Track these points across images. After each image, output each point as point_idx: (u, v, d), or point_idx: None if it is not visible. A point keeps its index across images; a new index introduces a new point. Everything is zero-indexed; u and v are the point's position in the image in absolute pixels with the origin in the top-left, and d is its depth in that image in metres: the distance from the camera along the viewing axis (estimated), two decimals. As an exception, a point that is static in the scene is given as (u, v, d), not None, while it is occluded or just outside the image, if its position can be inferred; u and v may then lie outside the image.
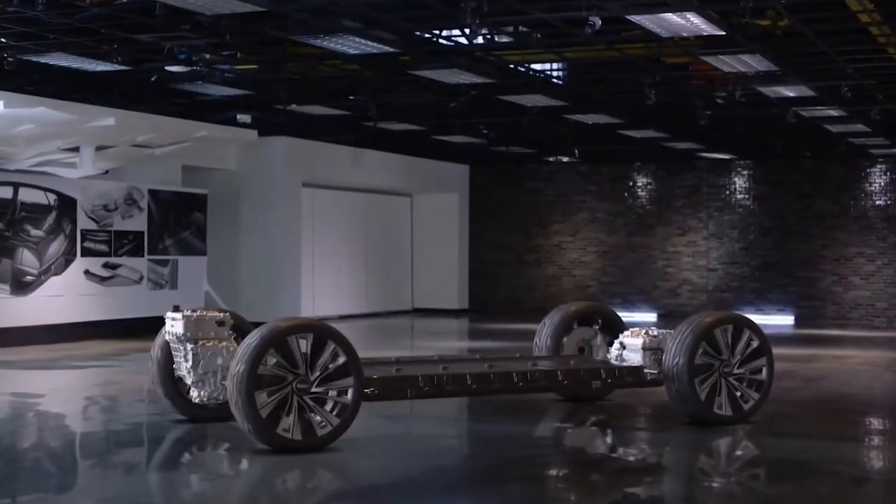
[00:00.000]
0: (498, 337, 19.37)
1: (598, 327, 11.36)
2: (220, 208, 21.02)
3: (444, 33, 12.65)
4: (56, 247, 17.39)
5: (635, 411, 11.00)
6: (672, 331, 10.07)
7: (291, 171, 21.55)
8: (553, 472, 8.47)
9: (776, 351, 10.55)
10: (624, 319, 11.74)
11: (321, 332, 8.63)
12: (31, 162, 16.58)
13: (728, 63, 13.43)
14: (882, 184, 23.68)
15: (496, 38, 12.67)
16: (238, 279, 21.29)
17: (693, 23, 11.20)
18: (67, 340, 17.19)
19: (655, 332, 10.28)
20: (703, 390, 9.76)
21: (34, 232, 17.05)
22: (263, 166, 21.26)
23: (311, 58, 13.95)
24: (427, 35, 12.81)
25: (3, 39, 12.78)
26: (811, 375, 13.93)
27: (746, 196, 24.73)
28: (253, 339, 8.47)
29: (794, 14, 11.33)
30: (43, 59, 13.76)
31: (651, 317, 24.59)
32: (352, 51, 13.00)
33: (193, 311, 9.37)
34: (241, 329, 9.45)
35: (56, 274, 17.40)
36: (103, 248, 18.17)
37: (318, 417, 8.50)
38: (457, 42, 12.89)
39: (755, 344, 10.06)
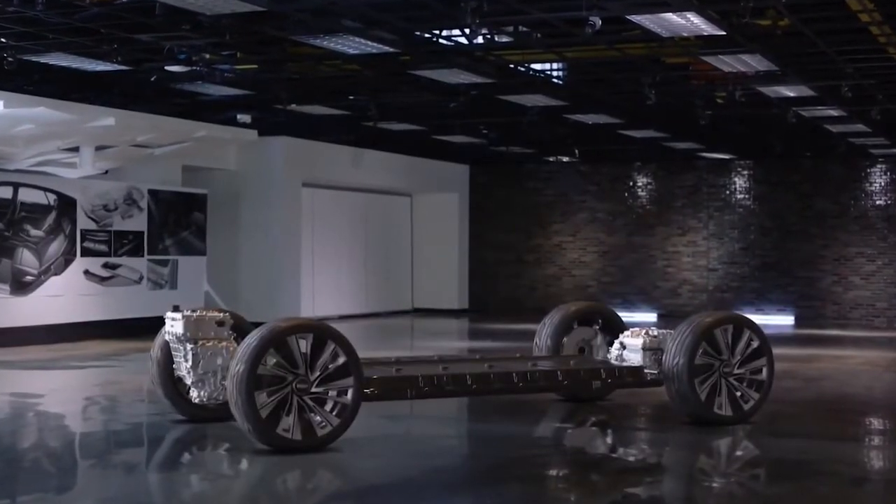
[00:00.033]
0: (498, 337, 19.37)
1: (598, 327, 11.36)
2: (220, 208, 21.02)
3: (444, 33, 12.64)
4: (56, 247, 17.38)
5: (635, 411, 11.00)
6: (672, 331, 10.07)
7: (291, 171, 21.54)
8: (553, 472, 8.47)
9: (776, 351, 10.55)
10: (624, 319, 11.74)
11: (321, 332, 8.63)
12: (30, 162, 16.58)
13: (728, 63, 13.42)
14: (882, 184, 23.67)
15: (496, 38, 12.66)
16: (238, 279, 21.29)
17: (693, 23, 11.19)
18: (67, 340, 17.18)
19: (655, 333, 10.28)
20: (703, 390, 9.75)
21: (34, 232, 17.05)
22: (263, 166, 21.26)
23: (311, 58, 13.94)
24: (427, 35, 12.81)
25: (3, 39, 12.77)
26: (811, 375, 13.93)
27: (746, 196, 24.73)
28: (253, 339, 8.47)
29: (794, 14, 11.33)
30: (43, 59, 13.75)
31: (651, 317, 24.59)
32: (352, 51, 12.99)
33: (193, 311, 9.36)
34: (240, 329, 9.44)
35: (56, 274, 17.40)
36: (103, 248, 18.16)
37: (317, 417, 8.50)
38: (457, 42, 12.89)
39: (755, 344, 10.06)
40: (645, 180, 25.60)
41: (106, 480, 8.02)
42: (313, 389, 8.49)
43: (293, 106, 17.60)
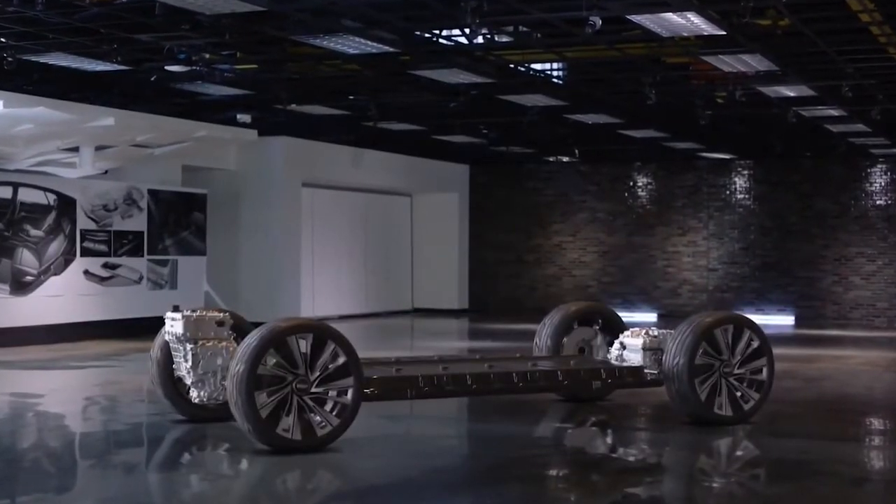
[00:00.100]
0: (498, 337, 19.36)
1: (598, 327, 11.35)
2: (220, 208, 21.02)
3: (444, 33, 12.64)
4: (56, 247, 17.38)
5: (635, 411, 10.99)
6: (672, 331, 10.06)
7: (291, 171, 21.54)
8: (553, 472, 8.46)
9: (776, 351, 10.54)
10: (624, 319, 11.73)
11: (321, 332, 8.62)
12: (30, 162, 16.58)
13: (728, 63, 13.42)
14: (882, 184, 23.67)
15: (496, 38, 12.66)
16: (238, 279, 21.28)
17: (693, 22, 11.19)
18: (67, 340, 17.18)
19: (656, 333, 10.27)
20: (703, 390, 9.75)
21: (34, 232, 17.04)
22: (263, 166, 21.25)
23: (311, 58, 13.94)
24: (427, 35, 12.80)
25: (2, 39, 12.77)
26: (811, 376, 13.92)
27: (747, 196, 24.72)
28: (253, 339, 8.46)
29: (794, 14, 11.32)
30: (42, 59, 13.75)
31: (651, 317, 24.58)
32: (352, 51, 12.99)
33: (193, 311, 9.36)
34: (240, 329, 9.44)
35: (56, 274, 17.39)
36: (103, 248, 18.16)
37: (317, 417, 8.49)
38: (457, 42, 12.88)
39: (755, 344, 10.05)
40: (645, 180, 25.59)
41: (106, 480, 8.02)
42: (313, 389, 8.48)
43: (293, 106, 17.60)
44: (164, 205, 19.28)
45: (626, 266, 25.57)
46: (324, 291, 22.94)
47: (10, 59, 13.09)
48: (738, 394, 9.93)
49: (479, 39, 12.44)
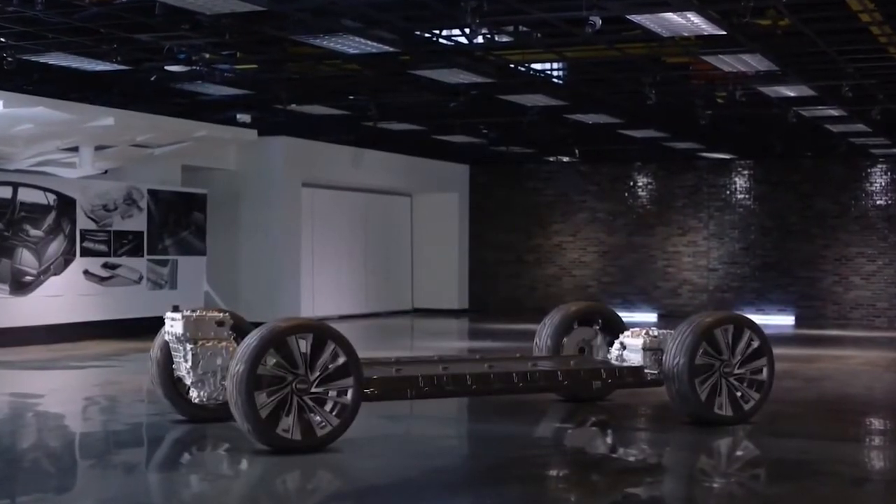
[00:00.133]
0: (498, 337, 19.36)
1: (598, 327, 11.34)
2: (220, 208, 21.01)
3: (444, 33, 12.63)
4: (55, 247, 17.37)
5: (635, 411, 10.99)
6: (672, 331, 10.05)
7: (291, 171, 21.53)
8: (553, 472, 8.46)
9: (777, 351, 10.54)
10: (624, 319, 11.73)
11: (321, 332, 8.62)
12: (30, 162, 16.57)
13: (728, 63, 13.41)
14: (883, 184, 23.67)
15: (496, 38, 12.65)
16: (238, 279, 21.28)
17: (693, 22, 11.18)
18: (67, 340, 17.17)
19: (656, 333, 10.27)
20: (703, 390, 9.74)
21: (33, 232, 17.04)
22: (263, 166, 21.25)
23: (311, 58, 13.93)
24: (427, 35, 12.80)
25: (2, 39, 12.76)
26: (812, 376, 13.92)
27: (747, 196, 24.72)
28: (252, 339, 8.46)
29: (794, 14, 11.32)
30: (42, 59, 13.74)
31: (651, 317, 24.58)
32: (352, 51, 12.98)
33: (193, 311, 9.35)
34: (240, 329, 9.43)
35: (55, 274, 17.38)
36: (103, 248, 18.15)
37: (317, 418, 8.49)
38: (457, 42, 12.88)
39: (756, 344, 10.05)
40: (645, 180, 25.59)
41: (106, 480, 8.01)
42: (313, 389, 8.48)
43: (293, 106, 17.59)
44: (163, 205, 19.27)
45: (627, 266, 25.57)
46: (324, 291, 22.94)
47: (9, 58, 13.09)
48: (739, 394, 9.92)
49: (479, 39, 12.43)
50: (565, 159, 25.74)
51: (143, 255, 18.87)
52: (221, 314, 9.42)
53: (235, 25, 12.03)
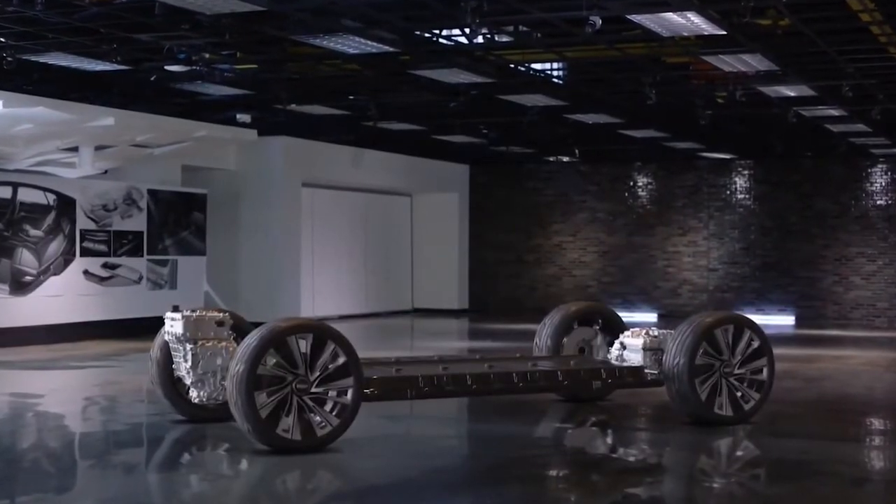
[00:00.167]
0: (498, 337, 19.35)
1: (598, 327, 11.34)
2: (220, 208, 21.01)
3: (444, 33, 12.63)
4: (55, 247, 17.37)
5: (636, 412, 10.98)
6: (672, 331, 10.05)
7: (291, 171, 21.53)
8: (553, 472, 8.45)
9: (777, 351, 10.53)
10: (624, 319, 11.72)
11: (321, 332, 8.61)
12: (30, 162, 16.56)
13: (729, 63, 13.41)
14: (883, 184, 23.66)
15: (496, 38, 12.65)
16: (238, 279, 21.27)
17: (694, 22, 11.18)
18: (67, 340, 17.17)
19: (656, 333, 10.26)
20: (703, 390, 9.74)
21: (33, 232, 17.03)
22: (263, 166, 21.25)
23: (311, 57, 13.93)
24: (427, 35, 12.79)
25: (2, 39, 12.76)
26: (812, 376, 13.91)
27: (747, 196, 24.71)
28: (252, 339, 8.45)
29: (794, 13, 11.32)
30: (42, 59, 13.74)
31: (651, 317, 24.57)
32: (352, 50, 12.98)
33: (193, 311, 9.35)
34: (240, 329, 9.43)
35: (55, 274, 17.38)
36: (102, 248, 18.15)
37: (317, 418, 8.48)
38: (457, 42, 12.87)
39: (756, 344, 10.04)
40: (645, 180, 25.59)
41: (105, 481, 8.01)
42: (313, 390, 8.48)
43: (293, 106, 17.59)
44: (163, 205, 19.27)
45: (627, 266, 25.56)
46: (324, 291, 22.93)
47: (9, 58, 13.08)
48: (739, 394, 9.92)
49: (479, 39, 12.43)
50: (565, 159, 25.74)
51: (142, 255, 18.86)
52: (221, 314, 9.41)
53: (235, 25, 12.03)
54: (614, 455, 9.17)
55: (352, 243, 24.09)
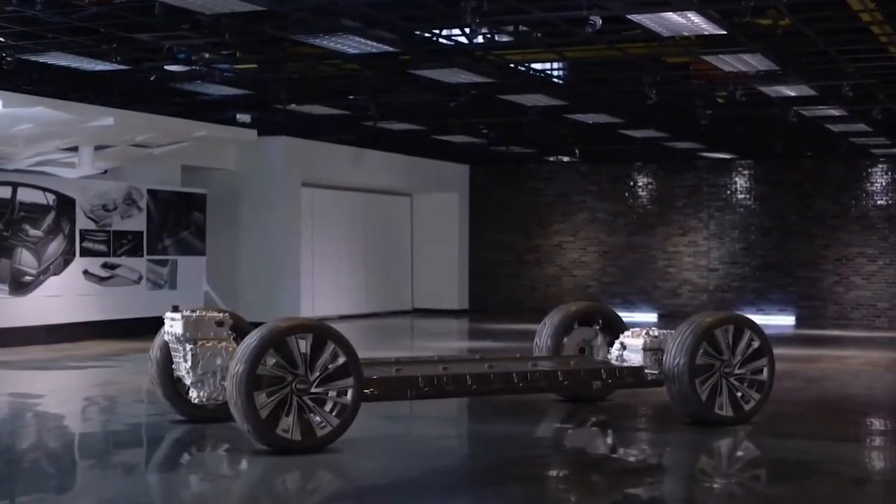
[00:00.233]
0: (498, 337, 19.35)
1: (598, 327, 11.33)
2: (220, 208, 21.00)
3: (444, 33, 12.62)
4: (55, 247, 17.36)
5: (636, 412, 10.98)
6: (673, 331, 10.04)
7: (291, 171, 21.52)
8: (553, 472, 8.45)
9: (777, 351, 10.53)
10: (624, 320, 11.72)
11: (321, 332, 8.60)
12: (29, 162, 16.56)
13: (729, 62, 13.40)
14: (883, 183, 23.66)
15: (496, 38, 12.64)
16: (238, 279, 21.27)
17: (694, 22, 11.17)
18: (66, 340, 17.16)
19: (656, 333, 10.26)
20: (703, 391, 9.73)
21: (33, 232, 17.03)
22: (263, 166, 21.24)
23: (311, 57, 13.92)
24: (427, 34, 12.79)
25: (1, 39, 12.75)
26: (812, 376, 13.90)
27: (747, 196, 24.71)
28: (252, 339, 8.45)
29: (795, 13, 11.31)
30: (42, 59, 13.73)
31: (652, 317, 24.57)
32: (352, 50, 12.97)
33: (192, 311, 9.34)
34: (240, 329, 9.42)
35: (55, 274, 17.37)
36: (102, 248, 18.14)
37: (317, 418, 8.48)
38: (457, 41, 12.87)
39: (756, 344, 10.03)
40: (645, 180, 25.58)
41: (105, 481, 8.00)
42: (313, 390, 8.47)
43: (293, 106, 17.58)
44: (163, 205, 19.26)
45: (627, 266, 25.56)
46: (324, 291, 22.93)
47: (9, 58, 13.08)
48: (739, 394, 9.91)
49: (479, 39, 12.42)
50: (565, 159, 25.73)
51: (142, 255, 18.86)
52: (221, 314, 9.41)
53: (235, 25, 12.02)
54: (614, 455, 9.16)
55: (352, 243, 24.08)
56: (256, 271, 21.19)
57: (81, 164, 16.69)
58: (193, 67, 14.12)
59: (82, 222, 17.78)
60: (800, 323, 23.50)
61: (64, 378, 13.77)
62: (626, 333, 10.49)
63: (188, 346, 9.08)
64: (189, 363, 9.08)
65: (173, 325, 9.23)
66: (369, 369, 9.13)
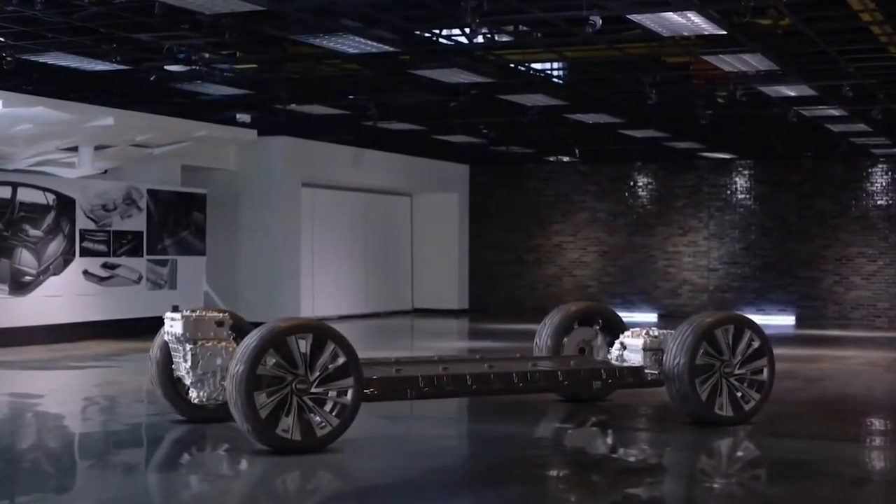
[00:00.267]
0: (498, 337, 19.34)
1: (598, 327, 11.33)
2: (220, 208, 21.00)
3: (444, 33, 12.62)
4: (55, 247, 17.36)
5: (636, 412, 10.98)
6: (673, 331, 10.04)
7: (291, 171, 21.52)
8: (553, 472, 8.45)
9: (777, 351, 10.52)
10: (624, 320, 11.72)
11: (321, 332, 8.60)
12: (29, 162, 16.56)
13: (729, 62, 13.40)
14: (883, 183, 23.66)
15: (496, 38, 12.64)
16: (238, 279, 21.27)
17: (694, 22, 11.17)
18: (66, 340, 17.16)
19: (656, 333, 10.25)
20: (703, 391, 9.73)
21: (33, 232, 17.02)
22: (263, 166, 21.24)
23: (311, 57, 13.92)
24: (427, 34, 12.79)
25: (1, 39, 12.75)
26: (812, 376, 13.90)
27: (747, 196, 24.70)
28: (252, 339, 8.44)
29: (795, 13, 11.31)
30: (42, 59, 13.73)
31: (652, 317, 24.56)
32: (352, 50, 12.97)
33: (192, 311, 9.34)
34: (240, 329, 9.42)
35: (55, 274, 17.37)
36: (102, 248, 18.14)
37: (317, 418, 8.48)
38: (457, 41, 12.86)
39: (756, 344, 10.03)
40: (645, 180, 25.58)
41: (105, 481, 8.00)
42: (313, 390, 8.47)
43: (293, 106, 17.58)
44: (163, 205, 19.26)
45: (627, 266, 25.55)
46: (324, 291, 22.93)
47: (9, 58, 13.08)
48: (739, 394, 9.91)
49: (479, 39, 12.42)
50: (565, 159, 25.73)
51: (142, 255, 18.86)
52: (221, 314, 9.40)
53: (235, 25, 12.02)
54: (614, 455, 9.16)
55: (352, 243, 24.08)
56: (256, 271, 21.19)
57: (81, 164, 16.69)
58: (193, 67, 14.12)
59: (82, 222, 17.78)
60: (800, 323, 23.50)
61: (64, 378, 13.77)
62: (626, 333, 10.49)
63: (188, 346, 9.08)
64: (189, 363, 9.08)
65: (173, 325, 9.23)
66: (369, 369, 9.13)
